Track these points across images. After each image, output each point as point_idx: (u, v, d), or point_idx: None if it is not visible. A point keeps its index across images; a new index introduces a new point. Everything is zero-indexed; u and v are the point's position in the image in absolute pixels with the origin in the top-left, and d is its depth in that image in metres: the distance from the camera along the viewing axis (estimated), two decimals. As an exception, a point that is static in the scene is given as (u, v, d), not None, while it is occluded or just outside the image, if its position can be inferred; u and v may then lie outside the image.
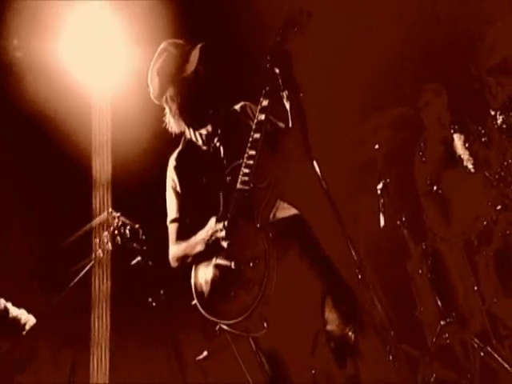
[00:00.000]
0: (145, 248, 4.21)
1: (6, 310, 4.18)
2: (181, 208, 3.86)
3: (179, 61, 3.77)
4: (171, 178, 3.92)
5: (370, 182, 5.73)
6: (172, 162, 3.95)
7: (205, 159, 3.85)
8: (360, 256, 4.16)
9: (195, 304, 3.70)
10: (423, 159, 5.71)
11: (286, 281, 3.56)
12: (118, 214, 4.09)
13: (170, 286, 4.96)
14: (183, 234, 3.82)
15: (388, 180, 5.51)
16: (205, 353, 5.45)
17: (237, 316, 3.52)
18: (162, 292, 5.05)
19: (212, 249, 3.66)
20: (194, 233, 3.74)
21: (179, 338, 5.15)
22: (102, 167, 4.70)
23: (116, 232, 4.11)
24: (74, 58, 5.53)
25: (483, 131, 5.35)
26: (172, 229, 3.90)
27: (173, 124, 3.88)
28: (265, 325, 3.51)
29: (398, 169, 5.93)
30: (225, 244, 3.60)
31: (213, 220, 3.67)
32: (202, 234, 3.70)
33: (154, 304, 5.02)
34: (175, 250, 3.85)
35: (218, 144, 3.82)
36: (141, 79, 5.30)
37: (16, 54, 5.57)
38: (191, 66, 3.75)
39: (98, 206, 4.32)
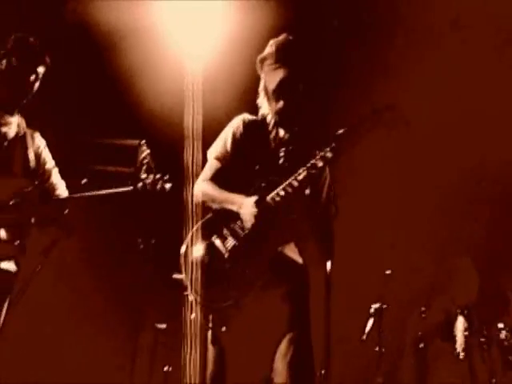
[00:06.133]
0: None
1: (51, 171, 4.27)
2: (229, 154, 3.97)
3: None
4: (237, 125, 4.01)
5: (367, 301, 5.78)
6: (244, 117, 4.04)
7: (264, 149, 3.97)
8: (329, 356, 4.19)
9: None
10: (423, 315, 5.82)
11: (260, 309, 3.66)
12: (148, 151, 4.08)
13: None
14: (218, 178, 3.95)
15: (385, 306, 5.58)
16: (164, 325, 5.58)
17: (207, 298, 3.67)
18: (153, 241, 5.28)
19: (233, 218, 3.79)
20: (225, 185, 3.89)
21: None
22: (193, 126, 4.84)
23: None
24: (170, 23, 5.51)
25: (485, 332, 5.58)
26: (212, 165, 4.00)
27: (265, 107, 4.01)
28: (223, 328, 3.65)
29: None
30: (249, 225, 3.72)
31: (254, 199, 3.77)
32: (244, 201, 3.78)
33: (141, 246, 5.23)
34: (207, 187, 3.94)
35: (281, 154, 3.93)
36: (235, 46, 5.18)
37: (112, 19, 5.59)
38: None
39: (190, 170, 4.46)
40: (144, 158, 4.02)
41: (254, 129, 3.99)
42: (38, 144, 4.24)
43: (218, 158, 3.99)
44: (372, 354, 5.60)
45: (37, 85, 4.11)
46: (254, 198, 3.77)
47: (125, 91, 5.78)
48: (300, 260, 3.90)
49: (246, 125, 4.00)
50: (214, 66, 5.34)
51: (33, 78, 4.06)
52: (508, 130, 5.98)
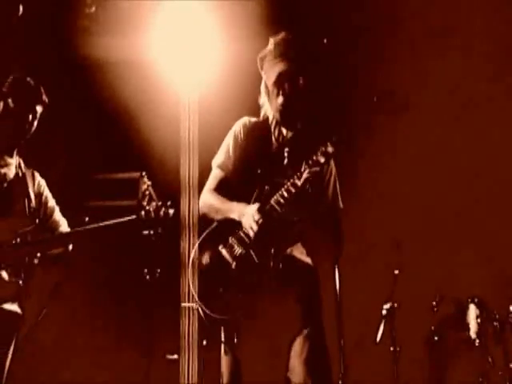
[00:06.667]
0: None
1: (53, 210, 4.26)
2: (232, 161, 3.94)
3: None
4: (238, 129, 3.97)
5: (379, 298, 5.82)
6: (246, 121, 4.00)
7: (267, 150, 3.90)
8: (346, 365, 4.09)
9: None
10: (435, 309, 5.86)
11: (272, 313, 3.61)
12: (150, 182, 4.01)
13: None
14: (221, 187, 3.92)
15: (396, 305, 5.65)
16: (175, 356, 5.51)
17: (215, 311, 3.60)
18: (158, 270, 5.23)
19: (238, 226, 3.72)
20: (229, 193, 3.84)
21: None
22: (189, 163, 4.83)
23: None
24: (164, 54, 5.54)
25: (497, 316, 5.61)
26: (215, 174, 3.98)
27: (267, 106, 3.94)
28: (235, 339, 3.60)
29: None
30: (251, 233, 3.65)
31: (256, 206, 3.68)
32: (244, 208, 3.72)
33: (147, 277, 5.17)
34: (211, 198, 3.92)
35: (285, 154, 3.85)
36: (230, 76, 5.18)
37: (106, 50, 5.66)
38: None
39: (186, 207, 4.42)
40: (146, 189, 4.00)
41: (256, 130, 3.94)
42: (39, 183, 4.23)
43: (220, 167, 3.97)
44: (388, 354, 5.60)
45: (35, 124, 4.10)
46: (255, 206, 3.70)
47: (121, 125, 5.82)
48: (308, 260, 3.85)
49: (247, 128, 3.97)
50: (209, 96, 5.35)
51: (31, 118, 4.05)
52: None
